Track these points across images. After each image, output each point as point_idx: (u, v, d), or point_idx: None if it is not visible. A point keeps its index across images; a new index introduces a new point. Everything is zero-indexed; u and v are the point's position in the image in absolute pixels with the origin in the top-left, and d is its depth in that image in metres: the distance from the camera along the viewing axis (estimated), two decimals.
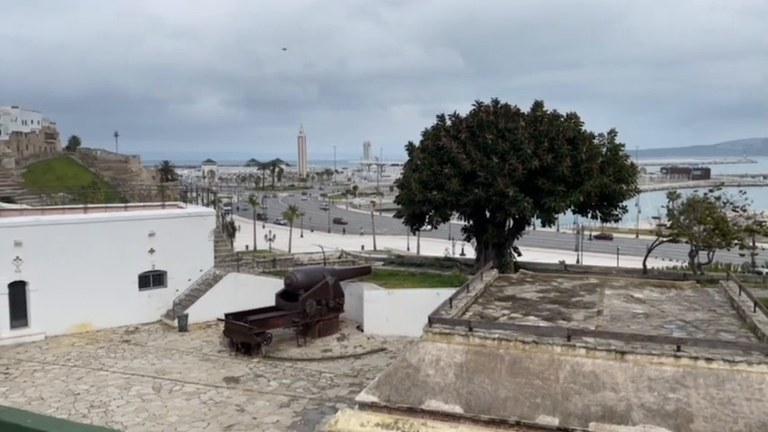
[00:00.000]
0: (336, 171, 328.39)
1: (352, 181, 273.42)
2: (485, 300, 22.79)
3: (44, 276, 28.90)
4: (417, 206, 31.48)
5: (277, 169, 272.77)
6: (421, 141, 33.30)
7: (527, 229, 36.22)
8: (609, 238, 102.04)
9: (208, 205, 41.55)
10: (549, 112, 31.32)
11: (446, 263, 36.84)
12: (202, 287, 32.60)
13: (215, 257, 34.45)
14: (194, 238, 33.06)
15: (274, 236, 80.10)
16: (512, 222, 33.74)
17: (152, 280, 32.24)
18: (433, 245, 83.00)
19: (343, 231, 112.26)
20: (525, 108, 32.16)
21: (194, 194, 47.00)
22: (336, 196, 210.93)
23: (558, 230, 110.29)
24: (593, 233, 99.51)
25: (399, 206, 34.52)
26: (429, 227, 34.41)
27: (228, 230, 40.31)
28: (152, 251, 31.85)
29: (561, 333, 16.48)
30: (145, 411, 20.11)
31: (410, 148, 34.00)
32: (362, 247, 78.25)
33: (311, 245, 57.46)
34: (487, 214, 33.20)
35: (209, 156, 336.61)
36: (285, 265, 37.99)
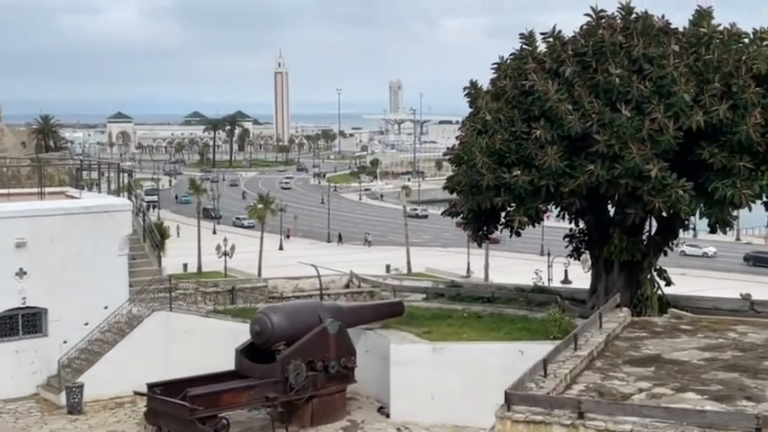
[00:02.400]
0: (342, 134, 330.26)
1: (369, 150, 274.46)
2: (606, 363, 22.58)
3: None
4: (486, 196, 31.39)
5: (238, 130, 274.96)
6: (492, 81, 33.14)
7: (683, 236, 35.70)
8: None
9: (119, 193, 41.91)
10: (721, 29, 30.94)
11: (537, 296, 36.63)
12: (109, 337, 32.78)
13: (131, 285, 34.64)
14: (95, 251, 33.23)
15: (233, 247, 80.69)
16: (655, 225, 33.32)
17: (21, 324, 32.40)
18: (513, 265, 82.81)
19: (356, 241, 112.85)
20: (680, 21, 31.68)
21: (96, 175, 47.52)
22: (341, 178, 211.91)
23: (737, 239, 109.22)
24: None
25: (453, 196, 34.38)
26: (507, 233, 34.23)
27: (154, 238, 40.55)
28: (21, 273, 32.13)
29: (746, 424, 16.26)
30: None
31: (473, 92, 33.88)
32: (388, 267, 78.48)
33: (297, 263, 57.75)
34: (611, 210, 32.91)
35: (120, 106, 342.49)
36: (252, 298, 38.07)
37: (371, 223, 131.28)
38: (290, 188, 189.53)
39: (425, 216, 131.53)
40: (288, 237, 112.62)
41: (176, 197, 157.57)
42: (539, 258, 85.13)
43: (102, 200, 36.95)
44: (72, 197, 36.94)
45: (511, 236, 33.19)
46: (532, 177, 30.23)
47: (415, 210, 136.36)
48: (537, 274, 47.91)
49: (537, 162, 30.08)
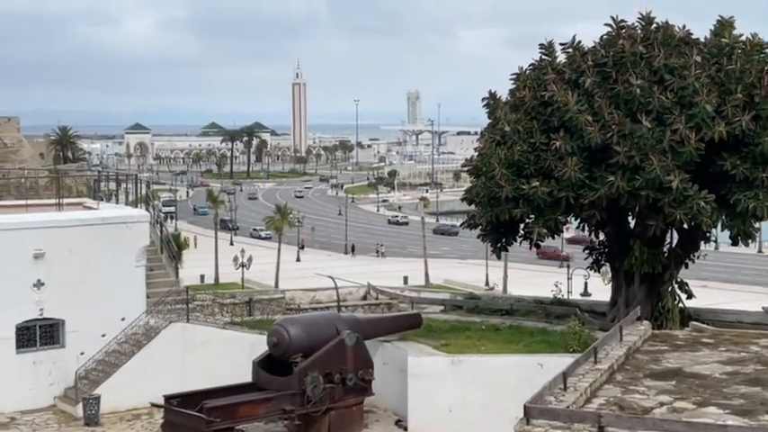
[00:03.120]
0: (360, 145, 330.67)
1: (387, 161, 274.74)
2: (627, 376, 22.45)
3: None
4: (504, 207, 31.35)
5: (256, 141, 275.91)
6: (511, 92, 33.17)
7: (704, 248, 35.51)
8: None
9: (137, 204, 42.10)
10: (743, 39, 30.85)
11: (556, 309, 36.53)
12: (126, 348, 32.93)
13: (148, 296, 34.80)
14: (113, 262, 33.44)
15: (250, 258, 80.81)
16: (676, 237, 33.19)
17: (39, 335, 32.60)
18: (532, 277, 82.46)
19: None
20: (701, 31, 31.63)
21: (113, 186, 47.78)
22: (358, 189, 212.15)
23: (758, 251, 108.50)
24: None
25: (472, 207, 34.39)
26: (526, 244, 34.15)
27: (171, 249, 40.72)
28: (39, 285, 32.30)
29: None
30: None
31: (492, 103, 33.89)
32: (405, 279, 78.36)
33: (314, 274, 57.71)
34: (632, 222, 32.84)
35: (137, 117, 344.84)
36: (270, 309, 38.10)
37: (389, 234, 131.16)
38: (302, 197, 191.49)
39: (406, 223, 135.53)
40: (302, 248, 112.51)
41: (194, 208, 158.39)
42: (558, 270, 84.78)
43: (120, 211, 37.14)
44: (90, 208, 37.15)
45: (530, 247, 33.06)
46: (552, 189, 30.19)
47: (396, 216, 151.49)
48: (556, 286, 47.77)
49: (556, 173, 30.05)
